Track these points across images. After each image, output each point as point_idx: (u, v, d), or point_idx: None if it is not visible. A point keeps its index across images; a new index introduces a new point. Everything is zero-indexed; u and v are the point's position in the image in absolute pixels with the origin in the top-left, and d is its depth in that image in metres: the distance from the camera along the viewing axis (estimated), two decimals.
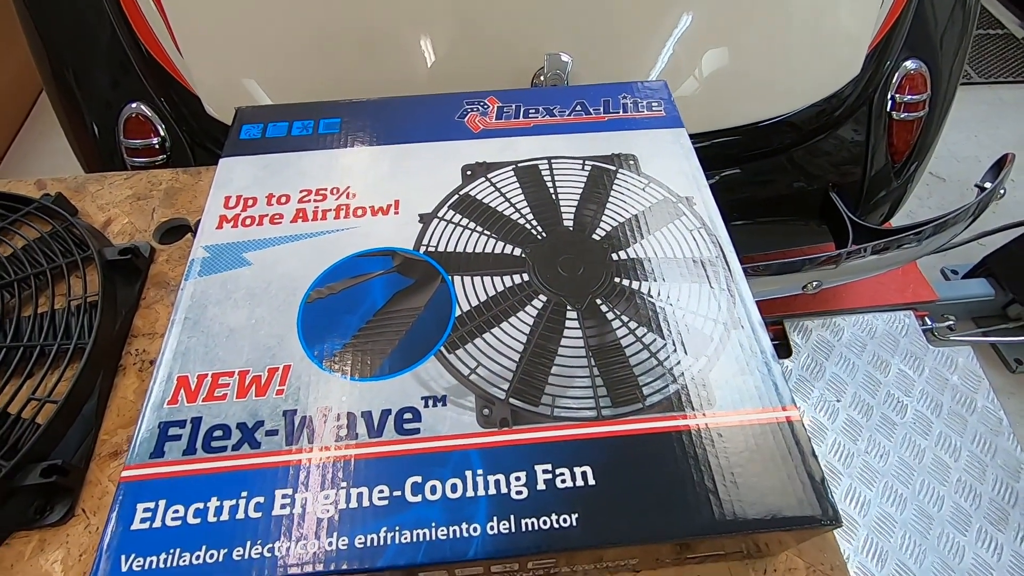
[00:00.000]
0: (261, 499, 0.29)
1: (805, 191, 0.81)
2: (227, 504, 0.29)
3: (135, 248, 0.48)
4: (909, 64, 0.79)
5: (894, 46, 0.78)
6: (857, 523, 0.95)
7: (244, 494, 0.29)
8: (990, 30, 2.16)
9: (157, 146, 0.72)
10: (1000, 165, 0.85)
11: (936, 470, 1.00)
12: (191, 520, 0.29)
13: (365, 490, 0.29)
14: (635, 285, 0.37)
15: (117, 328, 0.44)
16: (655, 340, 0.35)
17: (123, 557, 0.28)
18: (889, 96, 0.79)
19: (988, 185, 0.82)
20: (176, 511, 0.29)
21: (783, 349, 1.10)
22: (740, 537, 0.30)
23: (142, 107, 0.71)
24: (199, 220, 0.52)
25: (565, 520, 0.29)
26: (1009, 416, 1.06)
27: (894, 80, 0.79)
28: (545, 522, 0.29)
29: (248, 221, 0.41)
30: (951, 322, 1.14)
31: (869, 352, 1.11)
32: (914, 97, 0.79)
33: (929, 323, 1.15)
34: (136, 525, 0.28)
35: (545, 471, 0.30)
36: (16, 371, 0.41)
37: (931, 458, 1.01)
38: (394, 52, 0.64)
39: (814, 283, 0.75)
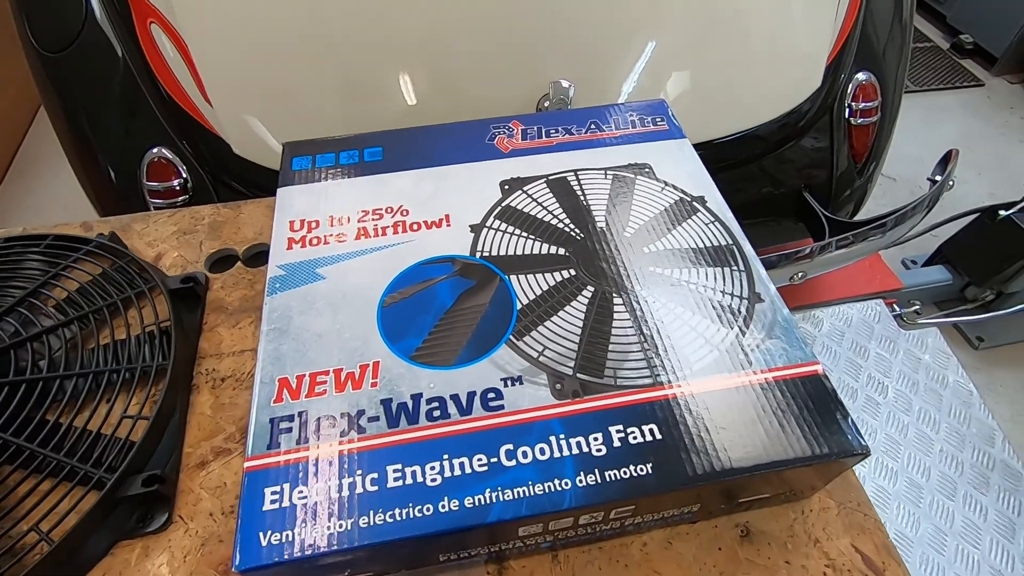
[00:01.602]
0: (375, 475, 0.33)
1: (781, 193, 0.89)
2: (345, 482, 0.33)
3: (194, 276, 0.51)
4: (860, 76, 0.89)
5: (846, 61, 0.88)
6: None
7: (359, 472, 0.33)
8: (919, 43, 2.37)
9: (179, 187, 0.76)
10: (946, 160, 0.95)
11: (920, 443, 1.07)
12: (316, 498, 0.32)
13: (465, 460, 0.34)
14: (667, 272, 0.43)
15: (189, 350, 0.48)
16: (692, 316, 0.40)
17: (261, 534, 0.31)
18: (847, 104, 0.89)
19: (938, 178, 0.92)
20: (301, 492, 0.32)
21: None
22: (780, 478, 0.35)
23: (164, 151, 0.75)
24: (248, 248, 0.56)
25: (642, 469, 0.33)
26: (978, 389, 1.15)
27: (849, 90, 0.89)
28: (625, 472, 0.33)
29: (315, 241, 0.45)
30: (917, 307, 1.24)
31: (848, 340, 1.19)
32: (867, 104, 0.89)
33: (898, 309, 1.24)
34: (267, 506, 0.32)
35: (618, 431, 0.35)
36: (104, 395, 0.44)
37: (914, 432, 1.08)
38: (409, 89, 0.70)
39: (799, 274, 0.83)
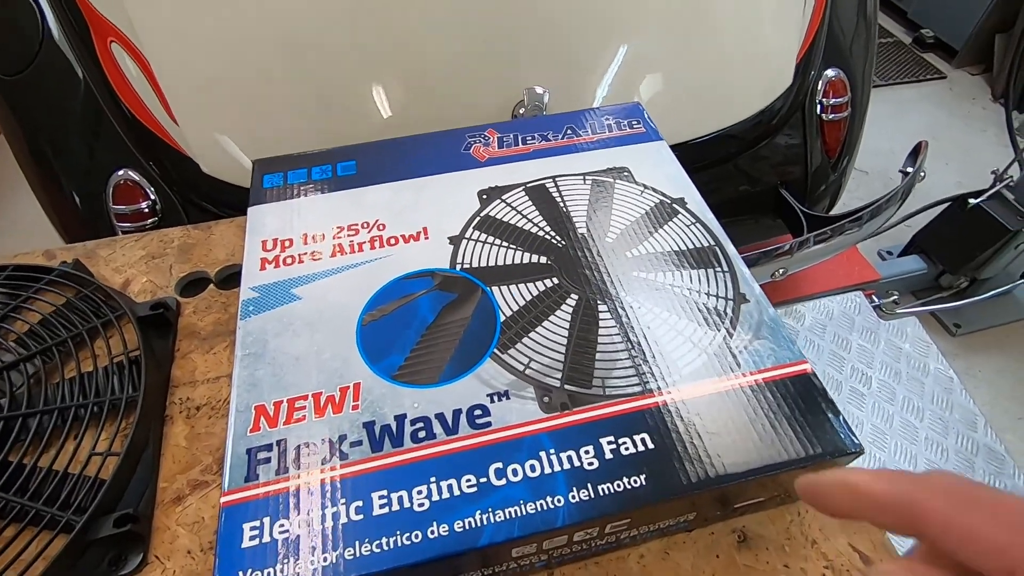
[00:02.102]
0: (360, 503, 0.32)
1: (759, 191, 0.90)
2: (329, 512, 0.31)
3: (164, 302, 0.49)
4: (830, 72, 0.90)
5: (815, 58, 0.89)
6: None
7: (342, 500, 0.32)
8: (882, 39, 2.43)
9: (147, 209, 0.73)
10: (916, 152, 0.97)
11: (905, 431, 1.09)
12: (298, 531, 0.31)
13: (453, 481, 0.32)
14: (651, 276, 0.42)
15: (160, 379, 0.46)
16: (679, 320, 0.40)
17: (240, 573, 0.29)
18: (818, 101, 0.90)
19: (910, 170, 0.93)
20: (282, 525, 0.31)
21: None
22: (775, 482, 0.34)
23: (130, 173, 0.72)
24: (221, 269, 0.54)
25: (635, 481, 0.32)
26: (959, 375, 1.17)
27: (819, 87, 0.90)
28: (619, 485, 0.32)
29: (289, 260, 0.43)
30: (895, 296, 1.26)
31: (830, 333, 1.20)
32: (838, 100, 0.90)
33: (877, 300, 1.26)
34: (246, 543, 0.30)
35: (609, 442, 0.34)
36: (71, 432, 0.42)
37: (899, 421, 1.10)
38: (382, 101, 0.68)
39: (780, 270, 0.83)
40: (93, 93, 0.72)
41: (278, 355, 0.38)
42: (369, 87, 0.69)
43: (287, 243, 0.44)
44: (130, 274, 0.55)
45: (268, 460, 0.33)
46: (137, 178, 0.72)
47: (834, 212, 1.07)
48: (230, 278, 0.54)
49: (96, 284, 0.50)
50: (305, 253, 0.44)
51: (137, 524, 0.38)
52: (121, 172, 0.72)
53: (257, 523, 0.31)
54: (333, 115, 0.68)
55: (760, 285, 0.43)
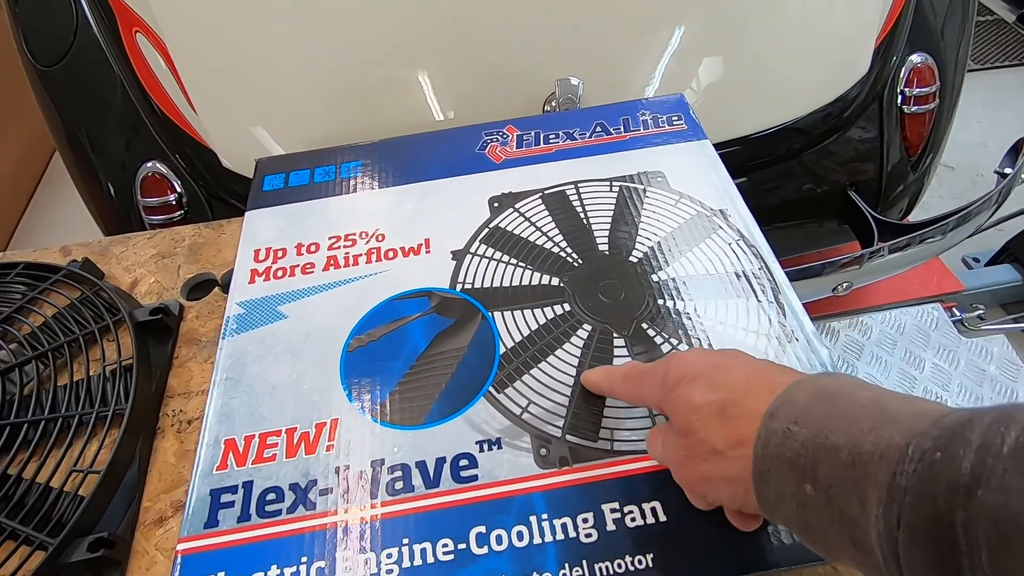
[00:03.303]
0: (323, 563, 0.28)
1: (823, 192, 0.80)
2: (288, 572, 0.28)
3: (165, 307, 0.47)
4: (915, 58, 0.79)
5: (898, 42, 0.78)
6: None
7: (304, 560, 0.28)
8: (980, 17, 2.17)
9: (174, 202, 0.73)
10: (1017, 149, 0.84)
11: None
12: None
13: (428, 545, 0.28)
14: (680, 306, 0.36)
15: (153, 390, 0.44)
16: None
17: None
18: (899, 91, 0.79)
19: (1008, 171, 0.81)
20: None
21: None
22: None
23: (158, 165, 0.72)
24: (226, 273, 0.52)
25: (640, 562, 0.27)
26: None
27: (902, 75, 0.79)
28: (620, 565, 0.27)
29: (280, 273, 0.40)
30: (981, 311, 1.12)
31: (900, 349, 1.08)
32: (923, 90, 0.79)
33: (958, 314, 1.12)
34: None
35: (613, 510, 0.29)
36: (56, 442, 0.40)
37: None
38: (405, 93, 0.64)
39: (844, 284, 0.74)
40: (123, 84, 0.71)
41: (256, 382, 0.35)
42: (390, 80, 0.65)
43: (280, 253, 0.41)
44: (139, 274, 0.54)
45: (231, 504, 0.30)
46: (164, 171, 0.71)
47: (912, 217, 0.95)
48: None
49: (100, 285, 0.49)
50: (297, 265, 0.40)
51: (113, 549, 0.36)
52: (149, 164, 0.71)
53: None
54: (351, 109, 0.65)
55: (819, 300, 0.36)
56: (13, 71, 0.83)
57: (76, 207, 0.85)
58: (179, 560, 0.29)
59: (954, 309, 1.13)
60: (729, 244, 0.40)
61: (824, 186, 0.82)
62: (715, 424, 0.24)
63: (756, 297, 0.37)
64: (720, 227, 0.41)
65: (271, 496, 0.30)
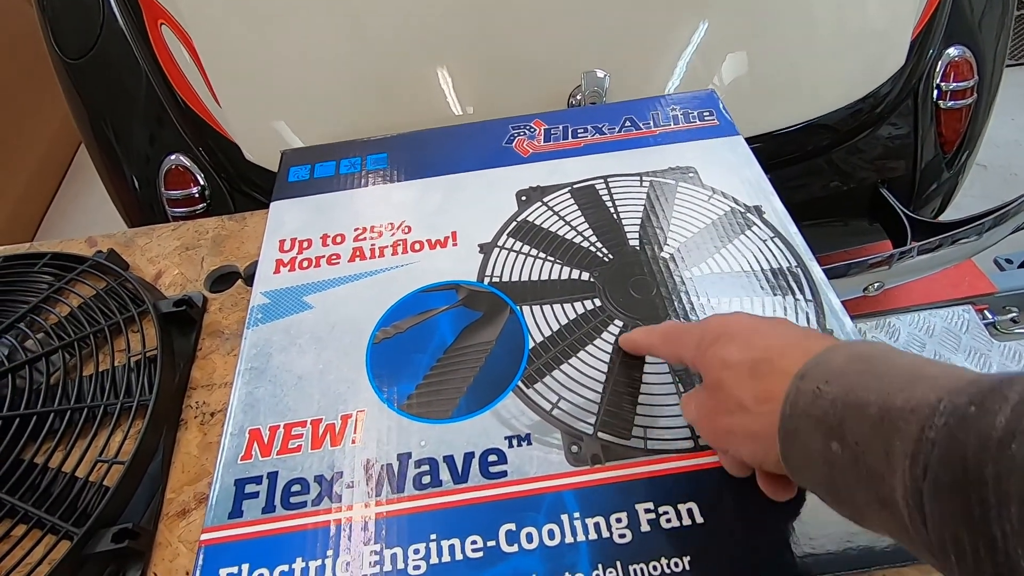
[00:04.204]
0: (349, 557, 0.27)
1: (854, 189, 0.78)
2: (313, 565, 0.27)
3: (189, 299, 0.47)
4: (953, 51, 0.76)
5: (935, 35, 0.76)
6: None
7: (329, 553, 0.28)
8: (1019, 10, 2.11)
9: (197, 195, 0.73)
10: None
11: None
12: None
13: (456, 541, 0.28)
14: (713, 302, 0.35)
15: (176, 382, 0.44)
16: None
17: None
18: (935, 85, 0.76)
19: None
20: (260, 575, 0.27)
21: None
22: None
23: (181, 158, 0.72)
24: (249, 266, 0.52)
25: (676, 564, 0.26)
26: None
27: (938, 69, 0.76)
28: (655, 567, 0.26)
29: (305, 263, 0.40)
30: (1014, 314, 1.08)
31: (929, 352, 1.05)
32: (960, 84, 0.76)
33: (990, 317, 1.09)
34: None
35: (647, 510, 0.28)
36: (82, 432, 0.40)
37: None
38: (427, 87, 0.64)
39: (875, 284, 0.72)
40: (147, 76, 0.71)
41: (281, 373, 0.34)
42: (412, 74, 0.64)
43: (305, 244, 0.41)
44: (163, 265, 0.54)
45: (256, 495, 0.30)
46: (187, 163, 0.71)
47: (945, 216, 0.93)
48: None
49: (125, 276, 0.49)
50: (323, 256, 0.40)
51: (136, 540, 0.36)
52: (173, 157, 0.72)
53: (235, 570, 0.28)
54: (375, 103, 0.64)
55: (848, 300, 0.35)
56: (41, 64, 0.84)
57: (101, 199, 0.86)
58: (202, 551, 0.28)
59: (986, 311, 1.10)
60: (764, 241, 0.38)
61: (854, 183, 0.80)
62: (745, 380, 0.24)
63: (794, 295, 0.35)
64: (754, 224, 0.39)
65: (296, 488, 0.30)
